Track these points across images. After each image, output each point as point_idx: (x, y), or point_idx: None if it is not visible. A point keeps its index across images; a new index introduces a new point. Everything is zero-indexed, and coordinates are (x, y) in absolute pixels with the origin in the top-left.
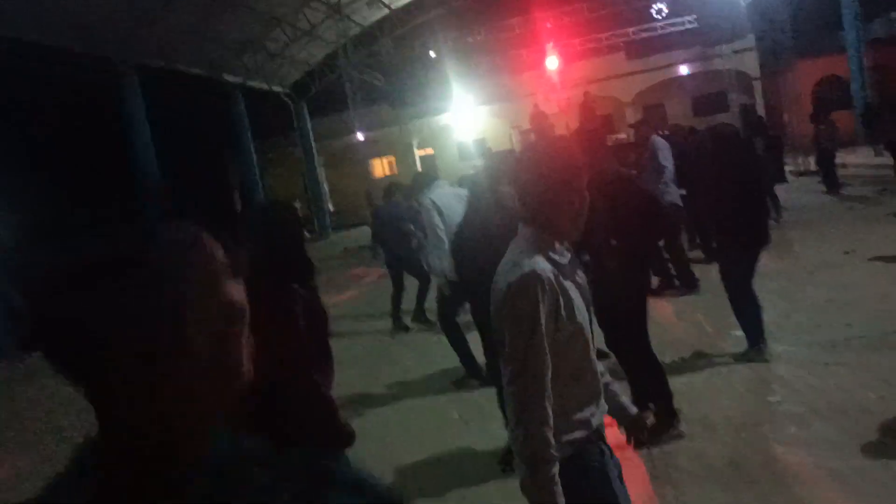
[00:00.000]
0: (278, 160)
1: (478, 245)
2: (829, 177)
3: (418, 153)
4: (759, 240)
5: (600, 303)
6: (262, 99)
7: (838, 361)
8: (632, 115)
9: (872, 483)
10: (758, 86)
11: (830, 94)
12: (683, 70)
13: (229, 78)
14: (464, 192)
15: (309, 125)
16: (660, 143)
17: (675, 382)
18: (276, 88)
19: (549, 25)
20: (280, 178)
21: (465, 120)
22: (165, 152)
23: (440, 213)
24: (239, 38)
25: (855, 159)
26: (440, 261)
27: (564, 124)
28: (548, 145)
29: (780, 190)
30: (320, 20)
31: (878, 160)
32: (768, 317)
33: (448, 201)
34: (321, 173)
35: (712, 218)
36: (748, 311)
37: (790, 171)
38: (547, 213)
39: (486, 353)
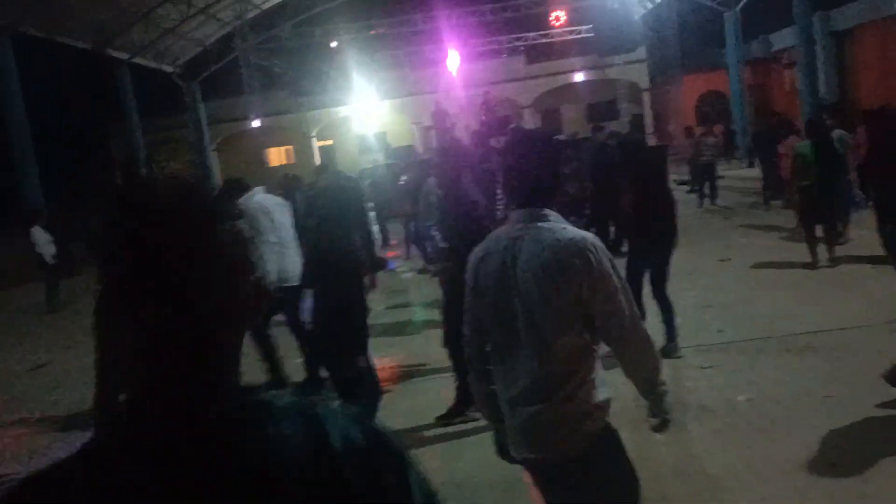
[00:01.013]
0: (167, 142)
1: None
2: (707, 188)
3: (317, 144)
4: (658, 244)
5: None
6: (151, 76)
7: (711, 364)
8: (529, 118)
9: (736, 479)
10: (647, 97)
11: (712, 109)
12: (579, 77)
13: (115, 53)
14: (280, 199)
15: (201, 107)
16: None
17: None
18: (167, 67)
19: (451, 23)
20: (167, 162)
21: (365, 113)
22: (42, 123)
23: (269, 217)
24: (128, 9)
25: (728, 172)
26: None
27: (464, 123)
28: (535, 135)
29: None
30: None
31: (745, 172)
32: (650, 321)
33: (273, 206)
34: (212, 158)
35: (619, 222)
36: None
37: (673, 181)
38: (554, 191)
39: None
